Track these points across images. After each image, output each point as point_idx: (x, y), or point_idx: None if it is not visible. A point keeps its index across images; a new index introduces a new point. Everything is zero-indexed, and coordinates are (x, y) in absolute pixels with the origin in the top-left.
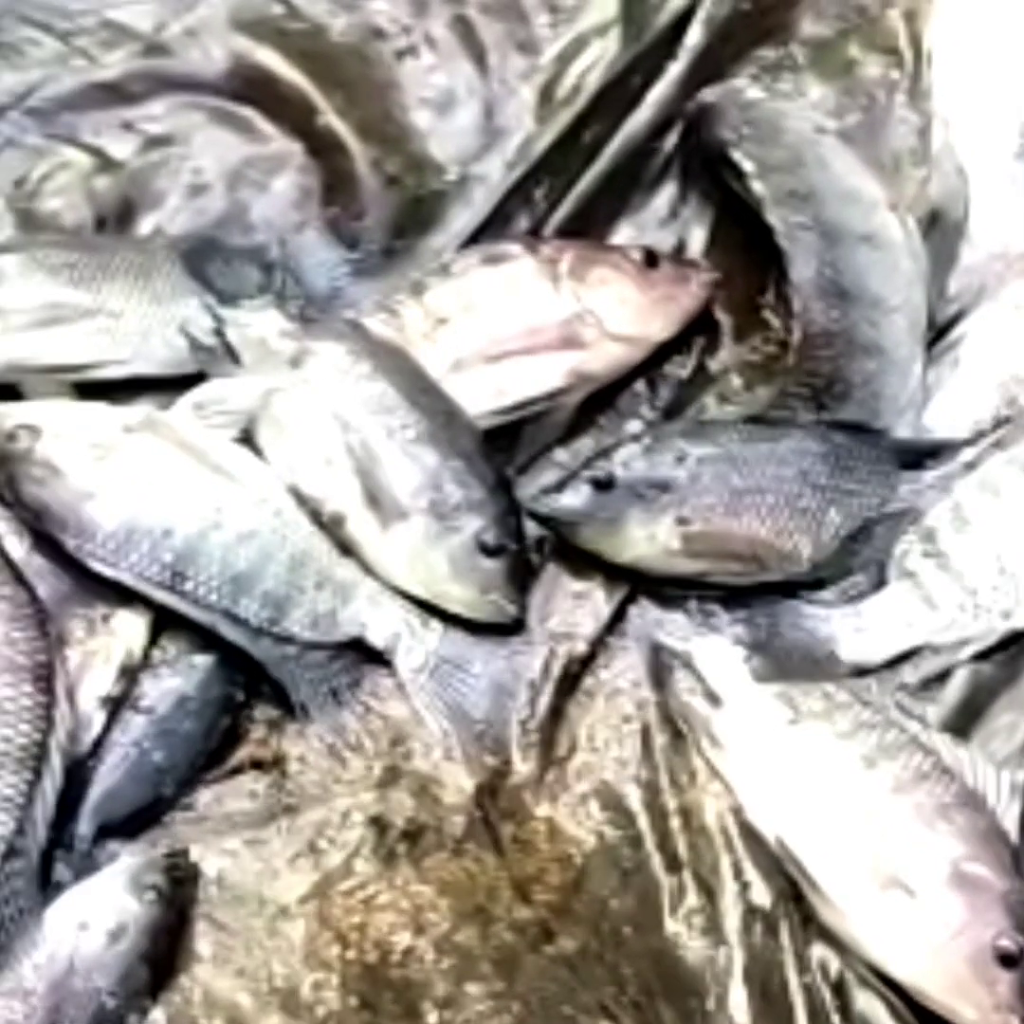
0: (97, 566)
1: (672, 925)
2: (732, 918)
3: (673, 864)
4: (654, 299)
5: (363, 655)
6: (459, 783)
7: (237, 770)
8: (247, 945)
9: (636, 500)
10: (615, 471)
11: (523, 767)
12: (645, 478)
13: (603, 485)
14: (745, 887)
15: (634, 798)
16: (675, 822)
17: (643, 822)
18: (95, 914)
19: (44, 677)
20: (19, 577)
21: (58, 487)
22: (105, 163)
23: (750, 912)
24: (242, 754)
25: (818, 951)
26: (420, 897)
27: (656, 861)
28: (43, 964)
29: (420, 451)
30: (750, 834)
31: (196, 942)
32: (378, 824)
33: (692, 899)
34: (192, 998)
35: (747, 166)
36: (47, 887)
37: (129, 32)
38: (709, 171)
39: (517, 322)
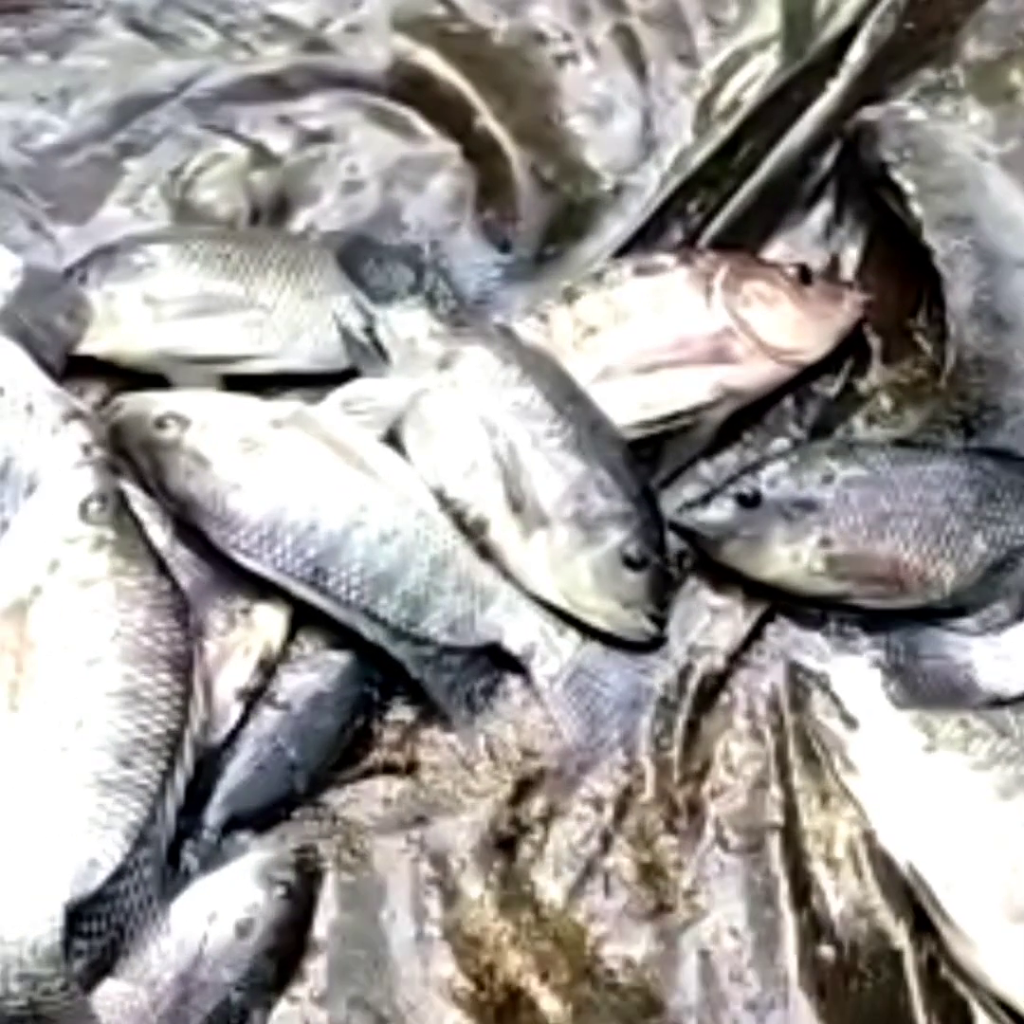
0: (240, 558)
1: (797, 961)
2: (860, 948)
3: (802, 889)
4: (806, 317)
5: (499, 661)
6: (590, 797)
7: (370, 772)
8: (364, 952)
9: (781, 518)
10: (761, 488)
11: (655, 783)
12: (791, 497)
13: (749, 502)
14: (872, 914)
15: (766, 819)
16: (806, 845)
17: (774, 845)
18: (224, 906)
19: (183, 668)
20: (162, 566)
21: (205, 478)
22: (262, 157)
23: (878, 941)
24: (376, 757)
25: (946, 983)
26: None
27: (784, 887)
28: (171, 953)
29: (566, 459)
30: (881, 860)
31: (316, 943)
32: (507, 845)
33: (819, 925)
34: (310, 996)
35: (908, 187)
36: (174, 876)
37: (291, 27)
38: (866, 191)
39: (668, 334)
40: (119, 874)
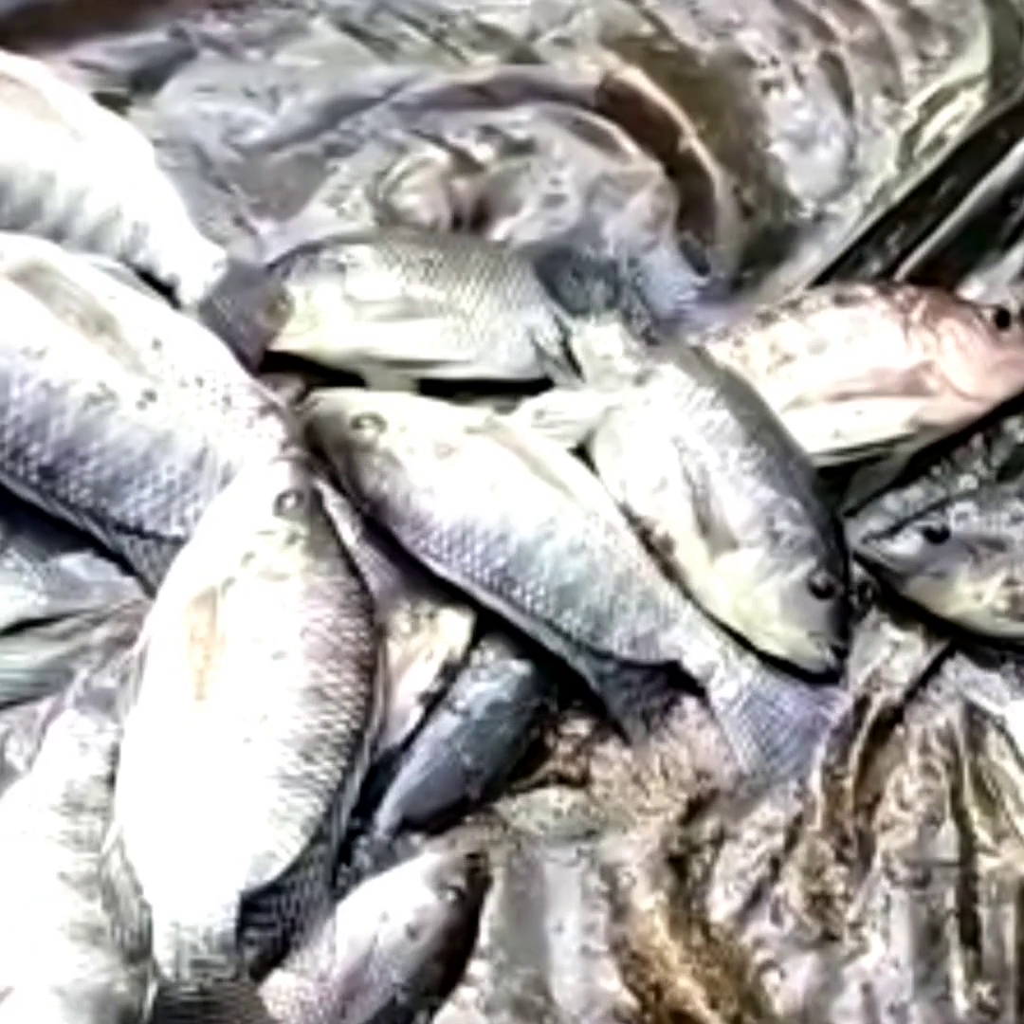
0: (429, 562)
1: (961, 1001)
2: None
3: (970, 929)
4: (1000, 360)
5: (676, 680)
6: (761, 823)
7: (543, 783)
8: (529, 962)
9: (967, 556)
10: (950, 524)
11: (827, 812)
12: (979, 534)
13: (936, 537)
14: None
15: (936, 855)
16: (976, 885)
17: (943, 882)
18: (396, 907)
19: (367, 667)
20: (352, 565)
21: (398, 480)
22: (466, 164)
23: None
24: (550, 768)
25: None
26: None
27: (951, 925)
28: (341, 950)
29: (756, 484)
30: None
31: (482, 949)
32: (677, 864)
33: (985, 972)
34: (474, 1002)
35: None
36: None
37: (501, 36)
38: None
39: (864, 365)
40: (295, 867)
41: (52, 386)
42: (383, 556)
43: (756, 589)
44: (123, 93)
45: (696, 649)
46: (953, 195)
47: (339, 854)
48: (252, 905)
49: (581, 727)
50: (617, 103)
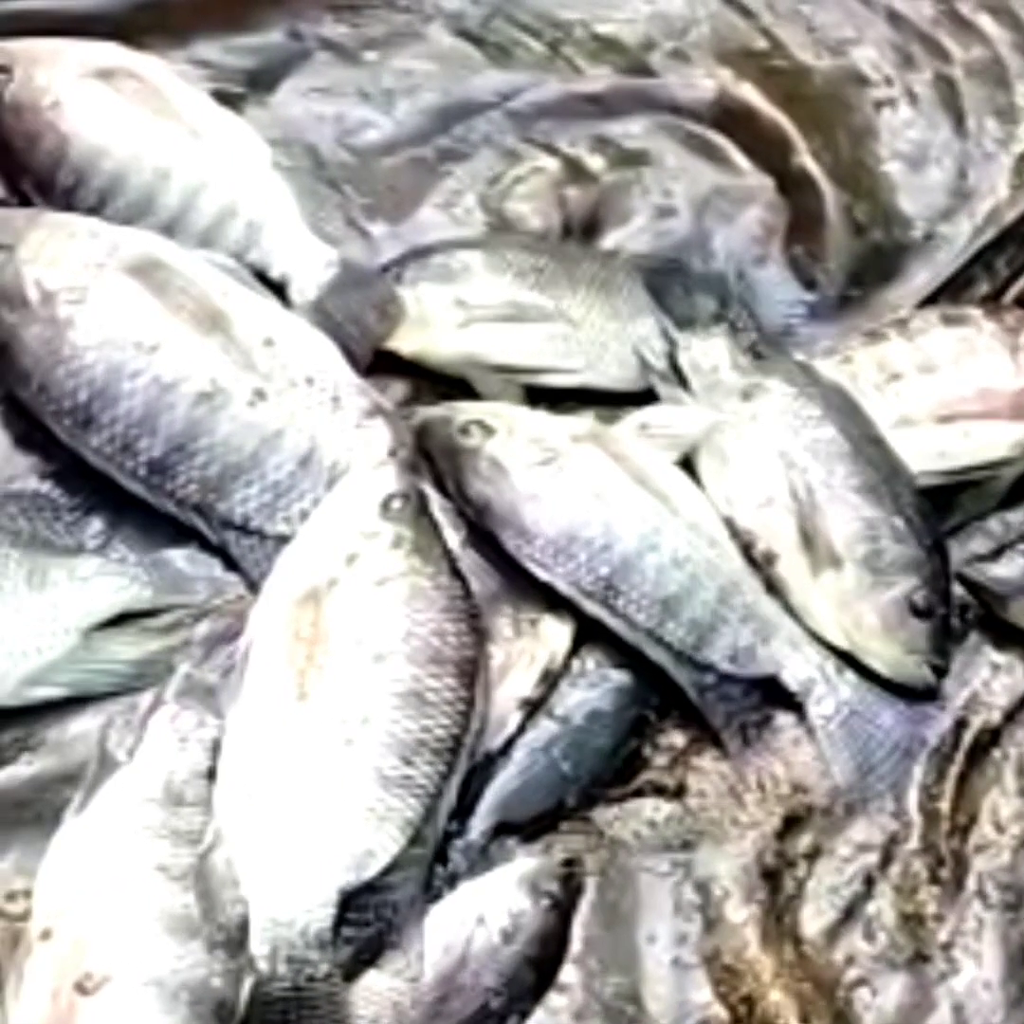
0: (533, 569)
1: None
2: None
3: None
4: None
5: (774, 694)
6: (856, 840)
7: (639, 792)
8: (620, 970)
9: None
10: None
11: (922, 832)
12: None
13: None
14: None
15: None
16: None
17: None
18: (491, 911)
19: (468, 672)
20: (455, 569)
21: (504, 486)
22: (578, 173)
23: None
24: (646, 778)
25: None
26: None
27: None
28: (435, 952)
29: (862, 502)
30: None
31: (574, 956)
32: (771, 878)
33: None
34: (566, 1008)
35: None
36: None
37: (617, 47)
38: None
39: (971, 386)
40: (392, 868)
41: (163, 381)
42: (486, 561)
43: (857, 606)
44: (239, 92)
45: (796, 664)
46: None
47: (435, 856)
48: (349, 904)
49: (678, 738)
50: (731, 117)
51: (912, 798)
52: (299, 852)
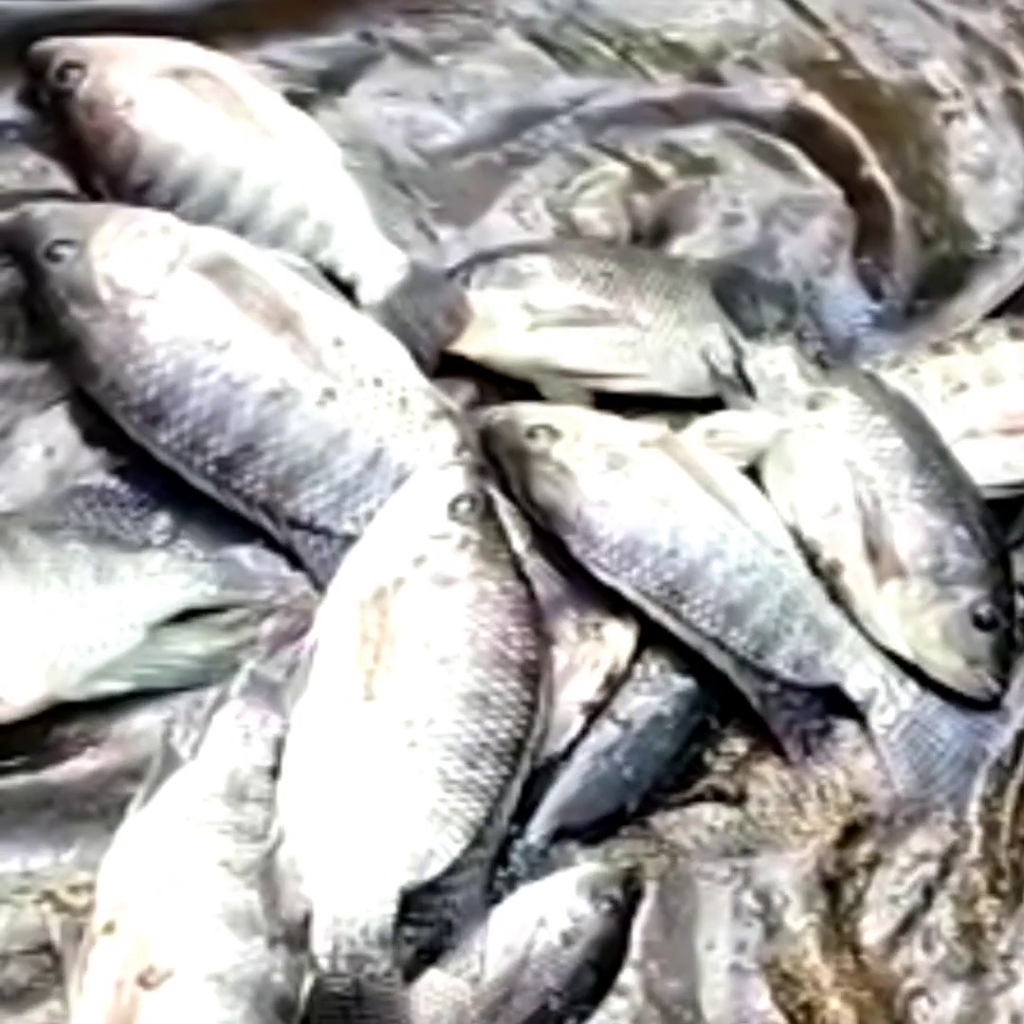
0: (599, 573)
1: None
2: None
3: None
4: None
5: (836, 703)
6: (916, 850)
7: (699, 798)
8: (679, 975)
9: None
10: None
11: (982, 843)
12: None
13: None
14: None
15: None
16: None
17: None
18: (552, 914)
19: (532, 676)
20: (521, 573)
21: (570, 490)
22: (646, 180)
23: None
24: (707, 784)
25: None
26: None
27: None
28: (496, 953)
29: (927, 513)
30: None
31: (633, 961)
32: (831, 886)
33: None
34: (625, 1012)
35: None
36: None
37: (687, 54)
38: None
39: None
40: (453, 869)
41: (233, 380)
42: (551, 565)
43: (921, 616)
44: (311, 93)
45: (858, 673)
46: None
47: (496, 859)
48: (410, 903)
49: (740, 745)
50: (800, 127)
51: (972, 809)
52: (361, 851)
